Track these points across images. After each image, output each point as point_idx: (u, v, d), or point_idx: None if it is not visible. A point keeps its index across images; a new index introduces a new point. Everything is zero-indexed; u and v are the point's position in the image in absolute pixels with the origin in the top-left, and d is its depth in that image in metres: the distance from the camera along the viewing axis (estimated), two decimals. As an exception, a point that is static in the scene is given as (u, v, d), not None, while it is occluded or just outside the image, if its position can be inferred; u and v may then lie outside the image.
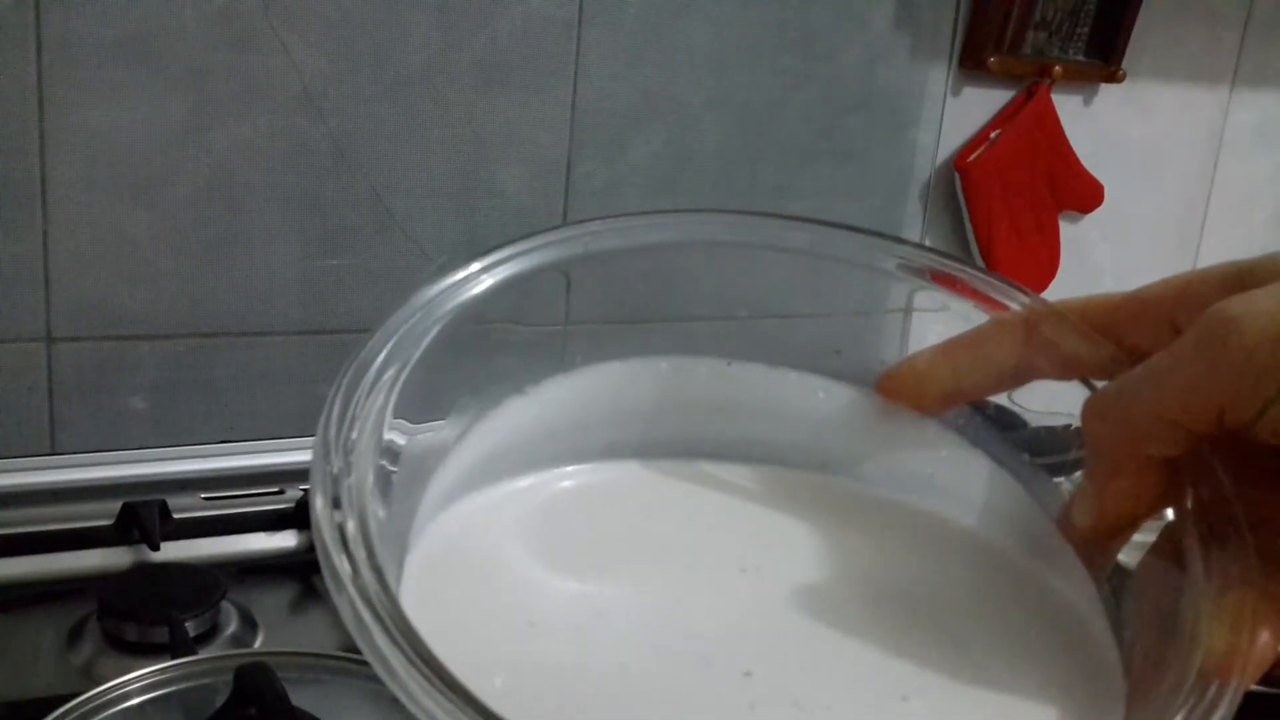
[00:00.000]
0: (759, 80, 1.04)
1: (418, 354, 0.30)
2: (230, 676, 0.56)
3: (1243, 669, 0.27)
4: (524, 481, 0.35)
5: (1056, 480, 0.36)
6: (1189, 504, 0.30)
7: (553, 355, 0.36)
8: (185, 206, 0.88)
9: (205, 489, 0.89)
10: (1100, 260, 1.29)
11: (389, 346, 0.30)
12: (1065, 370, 0.34)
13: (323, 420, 0.28)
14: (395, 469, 0.30)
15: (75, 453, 0.89)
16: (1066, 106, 1.19)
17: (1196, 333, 0.29)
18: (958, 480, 0.37)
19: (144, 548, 0.80)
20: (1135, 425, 0.30)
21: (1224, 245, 1.36)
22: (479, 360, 0.34)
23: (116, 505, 0.82)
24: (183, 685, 0.57)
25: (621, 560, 0.34)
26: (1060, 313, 0.34)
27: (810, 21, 1.04)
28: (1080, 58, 1.18)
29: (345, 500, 0.27)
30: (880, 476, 0.37)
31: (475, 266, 0.33)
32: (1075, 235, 1.25)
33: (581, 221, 0.35)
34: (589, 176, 1.00)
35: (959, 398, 0.36)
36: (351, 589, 0.25)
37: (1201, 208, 1.33)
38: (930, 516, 0.37)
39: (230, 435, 0.94)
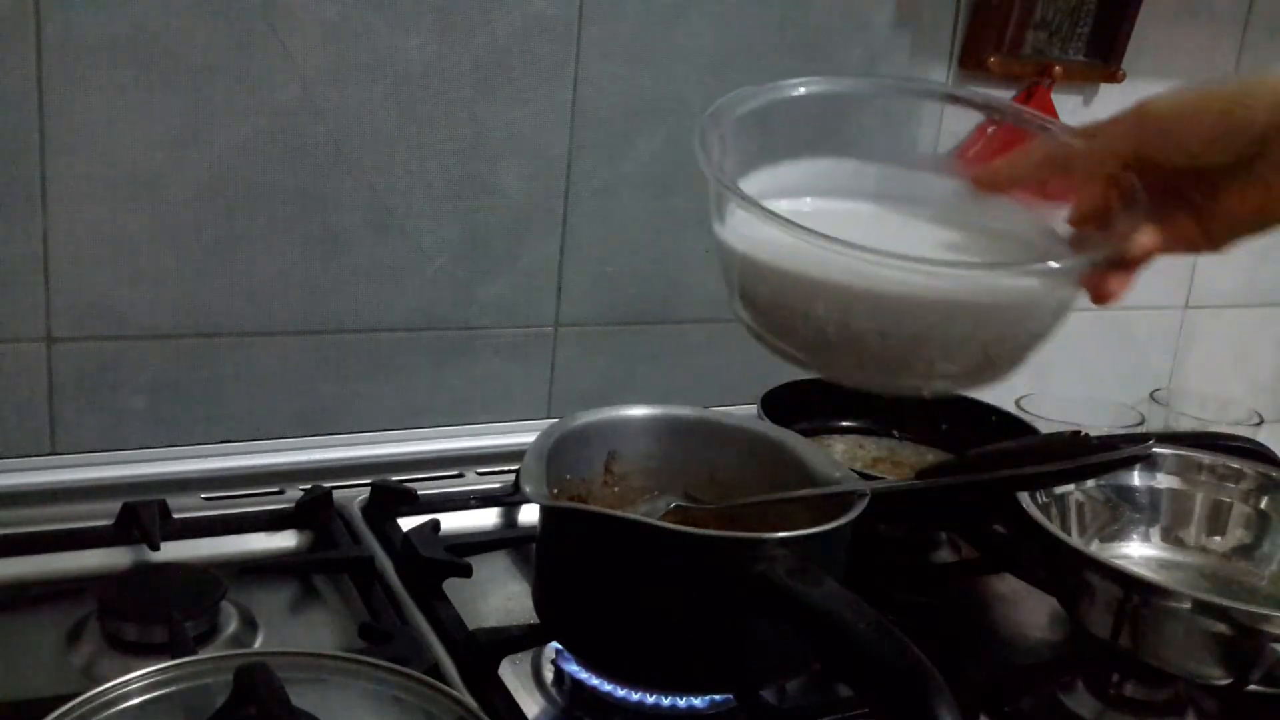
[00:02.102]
0: (759, 80, 1.04)
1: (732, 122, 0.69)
2: (230, 676, 0.55)
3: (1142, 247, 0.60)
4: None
5: None
6: (1117, 196, 0.61)
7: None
8: (185, 206, 0.88)
9: (205, 489, 0.89)
10: (1100, 260, 1.28)
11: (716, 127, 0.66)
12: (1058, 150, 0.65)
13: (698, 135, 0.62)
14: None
15: (75, 453, 0.89)
16: (1066, 106, 1.19)
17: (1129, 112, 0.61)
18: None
19: (144, 548, 0.80)
20: (1094, 155, 0.62)
21: (1224, 245, 1.35)
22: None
23: (116, 505, 0.83)
24: (183, 685, 0.57)
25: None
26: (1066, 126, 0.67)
27: (810, 21, 1.04)
28: (1080, 58, 1.18)
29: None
30: None
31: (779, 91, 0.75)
32: (1075, 235, 1.25)
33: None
34: (589, 176, 1.00)
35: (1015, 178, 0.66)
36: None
37: (1201, 208, 1.33)
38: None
39: (230, 435, 0.94)
